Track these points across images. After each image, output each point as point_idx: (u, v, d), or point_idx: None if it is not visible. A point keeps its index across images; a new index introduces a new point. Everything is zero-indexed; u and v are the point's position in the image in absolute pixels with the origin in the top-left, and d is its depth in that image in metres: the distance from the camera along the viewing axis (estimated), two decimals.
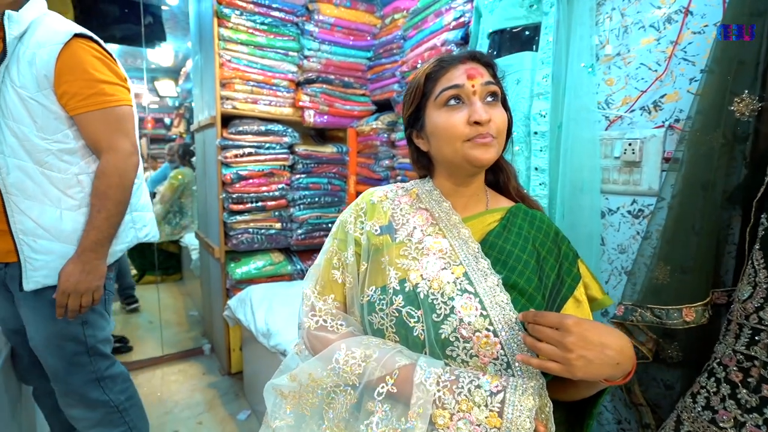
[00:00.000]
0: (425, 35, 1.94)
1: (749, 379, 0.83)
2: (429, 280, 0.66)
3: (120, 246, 1.25)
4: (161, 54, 4.15)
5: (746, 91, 0.90)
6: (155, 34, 2.46)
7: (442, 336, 0.63)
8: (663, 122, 1.11)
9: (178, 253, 3.90)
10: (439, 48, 1.82)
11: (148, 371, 2.35)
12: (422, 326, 0.65)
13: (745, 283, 0.88)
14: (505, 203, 0.80)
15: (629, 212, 1.19)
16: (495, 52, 1.43)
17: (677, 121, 1.08)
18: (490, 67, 0.73)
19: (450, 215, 0.74)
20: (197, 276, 2.94)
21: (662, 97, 1.11)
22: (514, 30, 1.35)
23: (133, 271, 3.77)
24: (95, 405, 1.24)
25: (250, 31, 2.04)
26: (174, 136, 4.95)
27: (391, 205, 0.77)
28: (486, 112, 0.67)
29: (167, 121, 5.27)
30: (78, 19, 2.31)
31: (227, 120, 2.10)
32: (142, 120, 5.01)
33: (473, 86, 0.68)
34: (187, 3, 2.57)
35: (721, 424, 0.86)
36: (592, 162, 1.19)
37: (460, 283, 0.65)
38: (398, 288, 0.68)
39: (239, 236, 2.11)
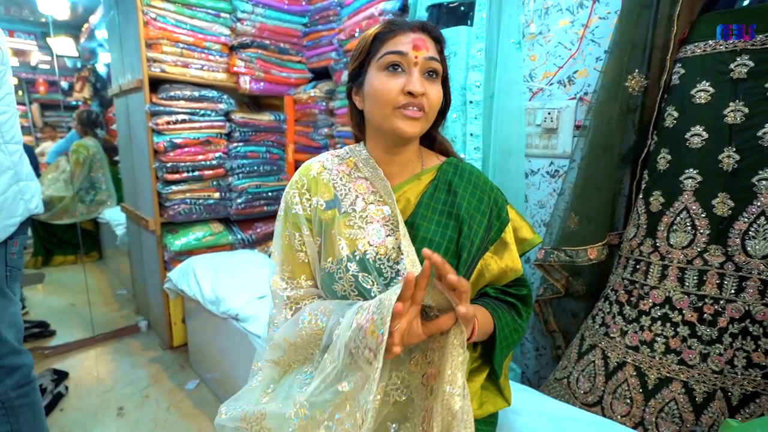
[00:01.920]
0: (363, 3, 1.96)
1: (632, 299, 1.07)
2: (376, 246, 0.70)
3: (12, 220, 1.14)
4: (55, 5, 3.59)
5: (636, 70, 1.10)
6: None
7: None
8: (575, 95, 1.30)
9: (94, 231, 3.59)
10: (376, 17, 1.86)
11: (78, 353, 2.21)
12: (377, 288, 0.69)
13: (631, 226, 1.11)
14: (438, 161, 0.81)
15: (548, 173, 1.40)
16: None
17: (586, 94, 1.28)
18: (439, 42, 0.74)
19: (385, 183, 0.75)
20: (125, 252, 2.76)
21: (575, 73, 1.30)
22: (451, 5, 1.46)
23: (34, 256, 3.37)
24: None
25: None
26: (76, 102, 4.41)
27: (330, 176, 0.77)
28: (422, 85, 0.68)
29: (64, 84, 4.64)
30: None
31: (155, 84, 1.97)
32: (32, 82, 4.36)
33: (416, 57, 0.69)
34: None
35: (611, 335, 1.10)
36: (518, 129, 1.36)
37: (402, 248, 0.70)
38: (350, 257, 0.71)
39: (176, 207, 2.03)
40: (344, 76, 2.10)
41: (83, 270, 2.84)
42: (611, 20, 1.21)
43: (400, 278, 0.68)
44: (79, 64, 4.45)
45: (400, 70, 0.69)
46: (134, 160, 2.21)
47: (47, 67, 4.36)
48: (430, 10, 1.52)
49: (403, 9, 1.78)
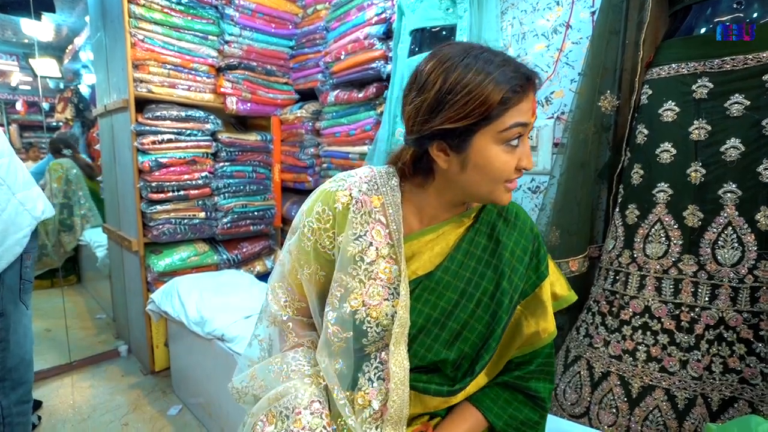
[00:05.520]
0: (348, 28, 2.03)
1: (613, 309, 1.10)
2: (368, 308, 0.64)
3: (22, 233, 1.16)
4: (39, 27, 3.59)
5: (608, 91, 1.17)
6: (44, 4, 2.17)
7: (365, 351, 0.66)
8: (553, 114, 1.37)
9: (73, 254, 3.50)
10: (362, 41, 1.93)
11: (54, 381, 2.12)
12: (351, 345, 0.65)
13: (610, 238, 1.15)
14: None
15: (529, 189, 1.44)
16: (417, 48, 1.58)
17: (563, 113, 1.35)
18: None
19: (399, 235, 0.66)
20: (106, 275, 2.69)
21: (552, 93, 1.36)
22: (433, 29, 1.52)
23: None
24: None
25: (165, 10, 1.93)
26: (57, 123, 4.36)
27: (353, 209, 0.66)
28: (529, 155, 0.61)
29: (45, 105, 4.60)
30: None
31: (141, 104, 1.98)
32: (11, 103, 4.31)
33: (530, 125, 0.60)
34: None
35: (595, 345, 1.12)
36: None
37: (397, 315, 0.64)
38: (336, 306, 0.65)
39: (160, 227, 2.01)
40: (330, 96, 2.15)
41: (61, 294, 2.76)
42: (583, 45, 1.28)
43: (383, 341, 0.66)
44: (61, 85, 4.43)
45: (518, 142, 0.59)
46: (118, 179, 2.19)
47: (28, 87, 4.33)
48: (414, 35, 1.58)
49: (387, 34, 1.85)
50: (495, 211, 0.71)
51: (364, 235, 0.65)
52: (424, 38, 1.55)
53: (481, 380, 0.71)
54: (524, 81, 0.57)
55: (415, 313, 0.66)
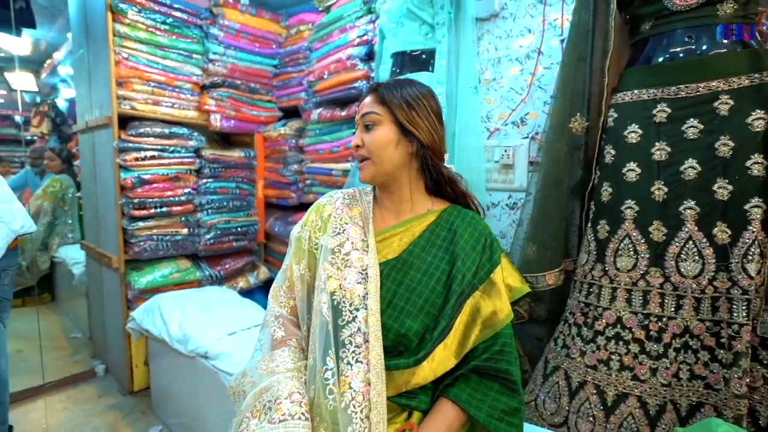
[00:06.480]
0: (331, 48, 2.09)
1: (588, 320, 1.15)
2: (344, 290, 0.78)
3: None
4: (18, 41, 3.54)
5: (578, 113, 1.24)
6: (24, 20, 2.17)
7: (341, 338, 0.75)
8: (528, 134, 1.43)
9: (47, 271, 3.39)
10: (344, 61, 1.99)
11: (25, 404, 2.04)
12: (331, 325, 0.76)
13: (583, 252, 1.21)
14: (445, 205, 0.89)
15: (507, 205, 1.50)
16: (398, 70, 1.64)
17: (537, 133, 1.42)
18: (378, 92, 0.84)
19: (370, 229, 0.84)
20: (83, 292, 2.63)
21: (526, 114, 1.44)
22: (414, 53, 1.59)
23: None
24: None
25: (151, 29, 1.96)
26: (32, 137, 4.28)
27: (337, 215, 0.87)
28: (358, 137, 0.84)
29: (18, 118, 4.51)
30: None
31: (123, 121, 1.98)
32: None
33: (359, 119, 0.86)
34: None
35: (572, 356, 1.17)
36: (478, 165, 1.47)
37: (365, 299, 0.78)
38: (322, 288, 0.79)
39: (142, 243, 1.99)
40: (314, 114, 2.19)
41: (35, 313, 2.67)
42: (554, 70, 1.36)
43: (356, 322, 0.76)
44: (38, 99, 4.36)
45: (357, 130, 0.87)
46: (98, 196, 2.17)
47: (1, 101, 4.23)
48: (395, 57, 1.64)
49: (369, 55, 1.91)
50: (454, 213, 0.87)
51: (342, 232, 0.84)
52: (405, 61, 1.61)
53: (448, 362, 0.77)
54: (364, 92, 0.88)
55: (384, 289, 0.80)
